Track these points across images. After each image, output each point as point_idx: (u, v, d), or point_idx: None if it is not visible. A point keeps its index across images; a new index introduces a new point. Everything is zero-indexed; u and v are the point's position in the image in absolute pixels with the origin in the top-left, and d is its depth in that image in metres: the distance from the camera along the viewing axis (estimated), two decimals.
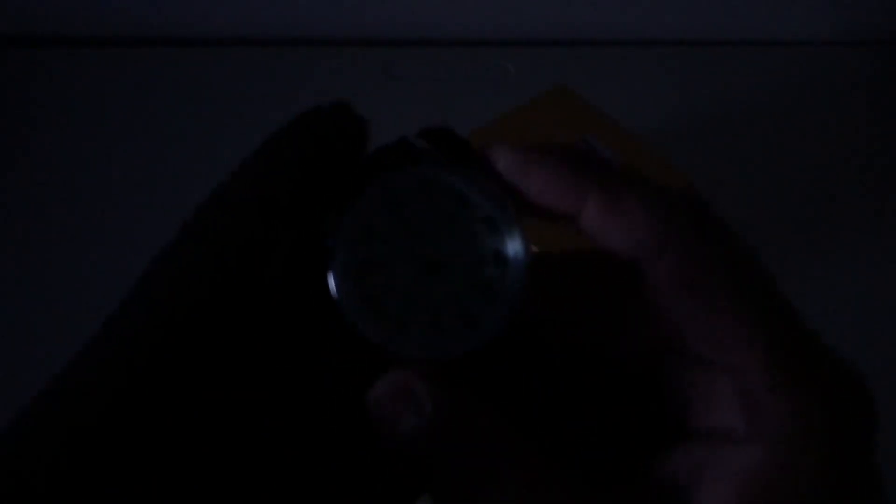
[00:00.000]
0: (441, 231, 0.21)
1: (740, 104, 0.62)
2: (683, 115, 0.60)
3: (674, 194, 0.20)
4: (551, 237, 0.27)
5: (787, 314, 0.19)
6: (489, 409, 0.19)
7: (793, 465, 0.18)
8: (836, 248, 0.54)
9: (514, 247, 0.20)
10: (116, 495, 0.16)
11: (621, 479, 0.20)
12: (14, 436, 0.16)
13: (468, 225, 0.21)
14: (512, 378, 0.21)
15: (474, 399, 0.19)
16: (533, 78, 0.61)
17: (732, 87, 0.63)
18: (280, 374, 0.19)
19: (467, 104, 0.59)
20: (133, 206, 0.54)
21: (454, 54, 0.65)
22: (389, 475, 0.19)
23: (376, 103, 0.22)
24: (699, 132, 0.59)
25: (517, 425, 0.19)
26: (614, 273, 0.21)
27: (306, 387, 0.19)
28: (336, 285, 0.20)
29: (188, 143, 0.58)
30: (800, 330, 0.19)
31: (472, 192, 0.21)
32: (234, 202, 0.19)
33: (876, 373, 0.20)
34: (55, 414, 0.16)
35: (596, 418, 0.22)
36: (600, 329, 0.21)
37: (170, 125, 0.59)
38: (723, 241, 0.19)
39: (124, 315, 0.18)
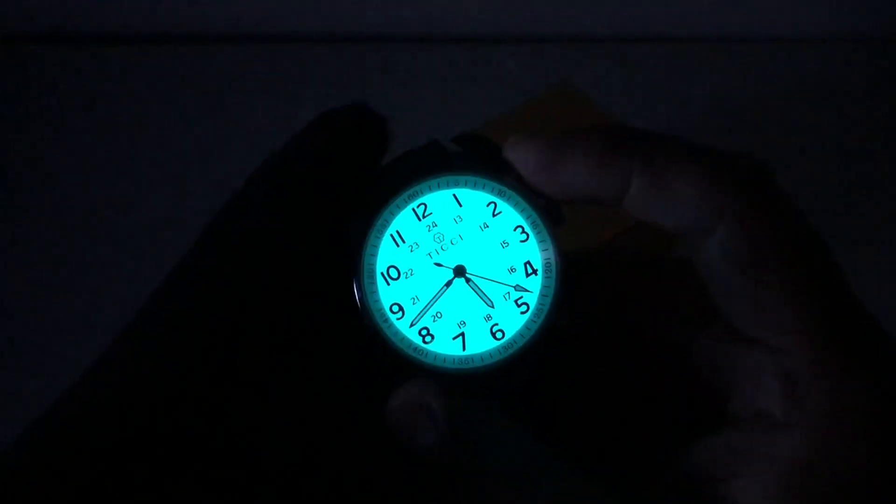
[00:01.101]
0: (470, 239, 0.20)
1: (747, 101, 0.62)
2: (689, 112, 0.60)
3: (728, 161, 0.18)
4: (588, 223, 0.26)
5: (841, 296, 0.18)
6: (512, 423, 0.18)
7: (835, 454, 0.17)
8: (847, 247, 0.53)
9: (546, 257, 0.20)
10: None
11: (653, 471, 0.19)
12: (32, 444, 0.16)
13: (499, 234, 0.20)
14: (542, 389, 0.20)
15: (495, 412, 0.18)
16: (536, 75, 0.60)
17: (739, 84, 0.63)
18: (301, 380, 0.18)
19: (469, 102, 0.58)
20: (135, 204, 0.54)
21: (456, 51, 0.64)
22: (406, 485, 0.19)
23: (377, 101, 0.22)
24: (705, 129, 0.59)
25: (545, 437, 0.18)
26: (650, 256, 0.20)
27: (327, 393, 0.19)
28: (360, 292, 0.20)
29: (186, 140, 0.58)
30: (853, 313, 0.18)
31: (503, 200, 0.20)
32: (253, 207, 0.19)
33: None
34: (74, 423, 0.16)
35: (629, 409, 0.21)
36: (637, 314, 0.21)
37: (169, 122, 0.59)
38: (779, 215, 0.18)
39: (145, 321, 0.18)
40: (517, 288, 0.20)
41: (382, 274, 0.20)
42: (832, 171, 0.58)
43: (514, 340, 0.20)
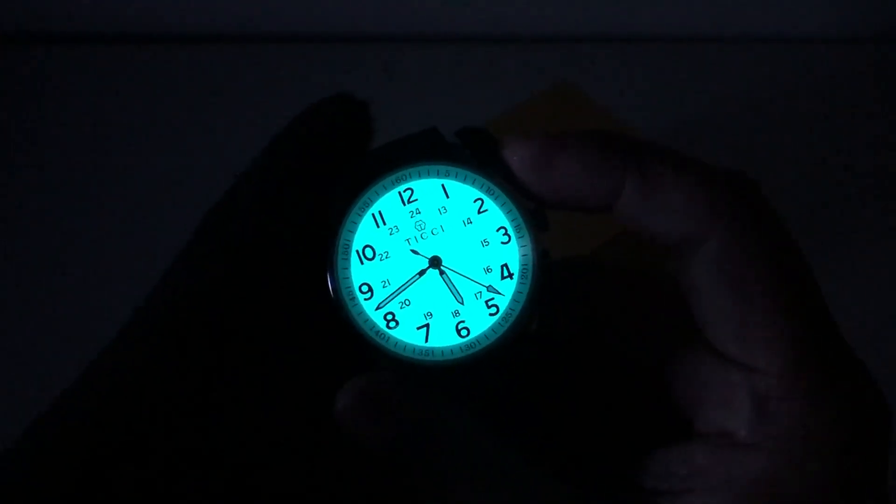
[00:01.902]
0: (452, 232, 0.20)
1: (747, 101, 0.61)
2: (689, 112, 0.60)
3: (721, 175, 0.18)
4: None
5: (820, 319, 0.18)
6: (470, 421, 0.18)
7: (795, 478, 0.17)
8: (845, 248, 0.53)
9: (524, 262, 0.20)
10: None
11: (614, 480, 0.19)
12: (33, 446, 0.16)
13: (481, 231, 0.20)
14: (503, 389, 0.20)
15: (451, 408, 0.18)
16: (536, 75, 0.60)
17: (739, 84, 0.63)
18: (280, 373, 0.18)
19: (469, 102, 0.58)
20: (135, 204, 0.54)
21: (456, 51, 0.64)
22: (368, 481, 0.18)
23: (376, 101, 0.22)
24: (705, 129, 0.59)
25: (504, 438, 0.18)
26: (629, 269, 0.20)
27: (304, 386, 0.19)
28: (332, 265, 0.19)
29: (185, 140, 0.58)
30: (830, 337, 0.18)
31: (491, 199, 0.20)
32: (239, 204, 0.19)
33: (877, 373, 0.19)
34: (74, 425, 0.16)
35: (594, 418, 0.21)
36: (612, 323, 0.21)
37: (168, 122, 0.59)
38: (769, 231, 0.18)
39: (143, 321, 0.18)
40: (490, 289, 0.20)
41: (358, 252, 0.20)
42: (832, 172, 0.58)
43: (477, 340, 0.19)
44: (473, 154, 0.20)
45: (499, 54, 0.64)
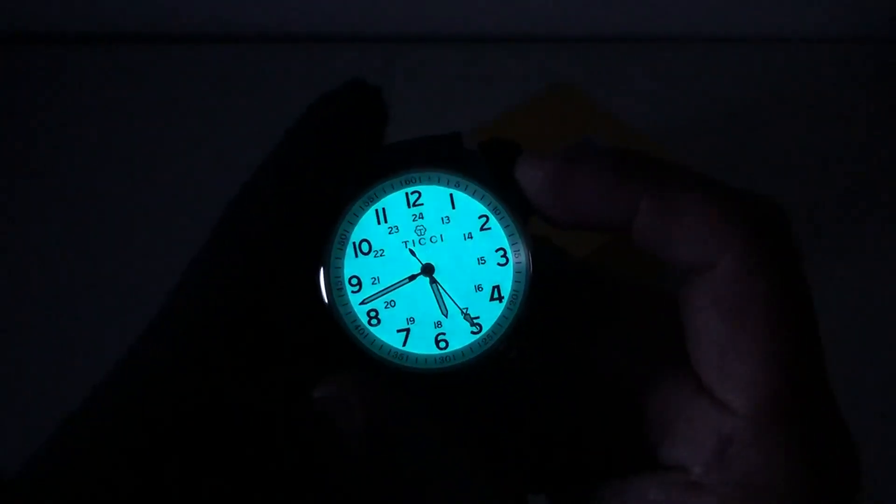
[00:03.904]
0: (451, 244, 0.20)
1: (747, 101, 0.61)
2: (689, 112, 0.60)
3: (742, 202, 0.18)
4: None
5: (808, 371, 0.17)
6: (433, 428, 0.18)
7: None
8: (843, 248, 0.53)
9: (516, 288, 0.20)
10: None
11: (571, 500, 0.19)
12: (63, 445, 0.16)
13: (480, 249, 0.20)
14: (474, 402, 0.20)
15: (415, 413, 0.18)
16: (536, 75, 0.60)
17: (739, 84, 0.63)
18: (281, 367, 0.18)
19: (469, 102, 0.58)
20: (135, 204, 0.54)
21: (456, 51, 0.64)
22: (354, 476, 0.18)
23: None
24: (705, 129, 0.59)
25: (464, 445, 0.18)
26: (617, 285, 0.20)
27: (300, 380, 0.19)
28: (327, 252, 0.19)
29: (185, 140, 0.58)
30: (813, 393, 0.17)
31: (496, 218, 0.20)
32: (258, 198, 0.19)
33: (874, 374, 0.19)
34: (104, 423, 0.16)
35: (563, 438, 0.21)
36: (598, 336, 0.20)
37: (168, 122, 0.59)
38: (779, 268, 0.17)
39: (168, 318, 0.18)
40: (466, 315, 0.20)
41: (354, 244, 0.20)
42: (832, 171, 0.58)
43: (453, 355, 0.19)
44: (490, 167, 0.20)
45: (499, 54, 0.64)
